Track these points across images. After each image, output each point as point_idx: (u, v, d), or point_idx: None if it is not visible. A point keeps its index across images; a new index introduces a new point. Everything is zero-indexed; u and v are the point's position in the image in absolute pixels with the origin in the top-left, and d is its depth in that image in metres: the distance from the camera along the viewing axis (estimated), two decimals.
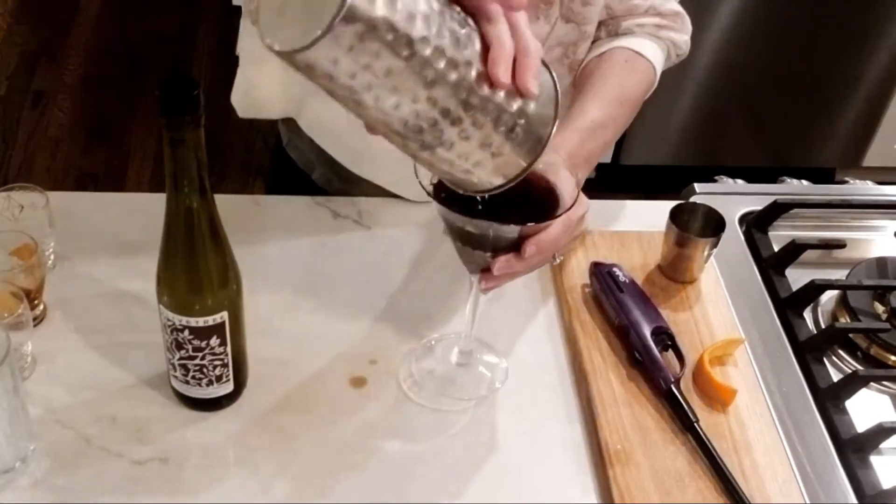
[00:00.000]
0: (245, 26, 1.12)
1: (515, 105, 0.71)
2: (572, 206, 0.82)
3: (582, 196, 0.89)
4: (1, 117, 2.66)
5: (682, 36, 1.09)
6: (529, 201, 0.84)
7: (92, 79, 2.82)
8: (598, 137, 0.99)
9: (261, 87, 1.12)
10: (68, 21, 3.00)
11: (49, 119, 2.68)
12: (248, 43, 1.12)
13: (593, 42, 1.08)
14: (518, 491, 0.88)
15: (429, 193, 0.80)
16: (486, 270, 0.84)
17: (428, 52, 0.65)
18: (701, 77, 2.29)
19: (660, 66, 1.08)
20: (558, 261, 1.00)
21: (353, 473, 0.88)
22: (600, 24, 1.07)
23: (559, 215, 0.81)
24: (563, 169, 0.84)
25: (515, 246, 0.83)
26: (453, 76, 0.67)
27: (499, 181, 0.75)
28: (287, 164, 1.23)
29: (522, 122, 0.71)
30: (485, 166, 0.73)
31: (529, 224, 0.80)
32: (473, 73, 0.68)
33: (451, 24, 0.67)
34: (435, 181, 0.81)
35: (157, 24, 2.99)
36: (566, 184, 0.84)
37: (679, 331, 0.99)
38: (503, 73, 0.68)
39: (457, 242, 0.84)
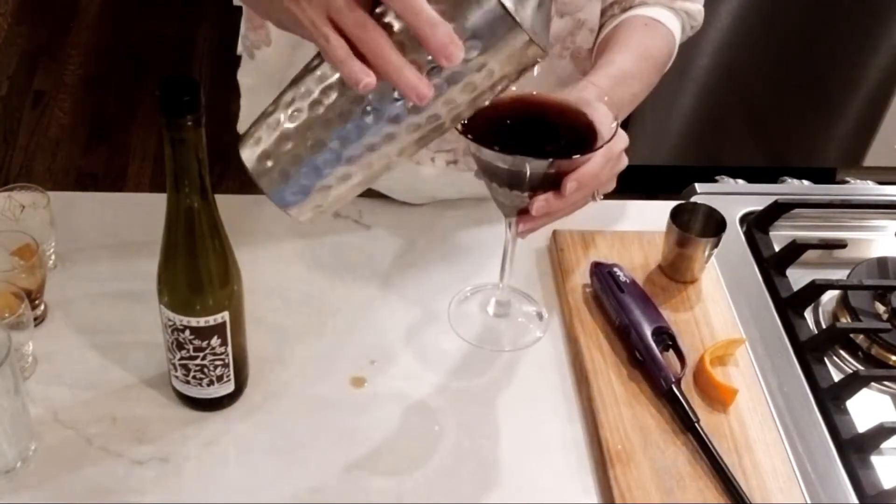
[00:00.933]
0: (245, 60, 1.13)
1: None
2: (611, 139, 0.80)
3: (620, 131, 0.86)
4: (1, 117, 2.66)
5: (696, 5, 1.08)
6: (566, 137, 0.82)
7: (92, 79, 2.82)
8: (626, 87, 0.95)
9: None
10: (69, 21, 3.00)
11: (49, 119, 2.68)
12: (249, 80, 1.16)
13: (605, 19, 1.06)
14: (518, 490, 0.88)
15: (459, 132, 0.77)
16: (523, 212, 0.81)
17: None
18: (701, 77, 2.29)
19: (678, 36, 1.06)
20: (599, 199, 0.91)
21: (354, 473, 0.88)
22: (612, 2, 1.05)
23: (599, 147, 0.79)
24: (598, 103, 0.82)
25: (554, 184, 0.80)
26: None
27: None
28: None
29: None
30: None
31: (571, 158, 0.78)
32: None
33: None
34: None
35: (158, 25, 2.99)
36: (604, 116, 0.82)
37: (680, 331, 0.98)
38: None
39: (492, 183, 0.82)
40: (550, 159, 0.77)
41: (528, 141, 0.79)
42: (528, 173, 0.78)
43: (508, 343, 0.96)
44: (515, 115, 0.82)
